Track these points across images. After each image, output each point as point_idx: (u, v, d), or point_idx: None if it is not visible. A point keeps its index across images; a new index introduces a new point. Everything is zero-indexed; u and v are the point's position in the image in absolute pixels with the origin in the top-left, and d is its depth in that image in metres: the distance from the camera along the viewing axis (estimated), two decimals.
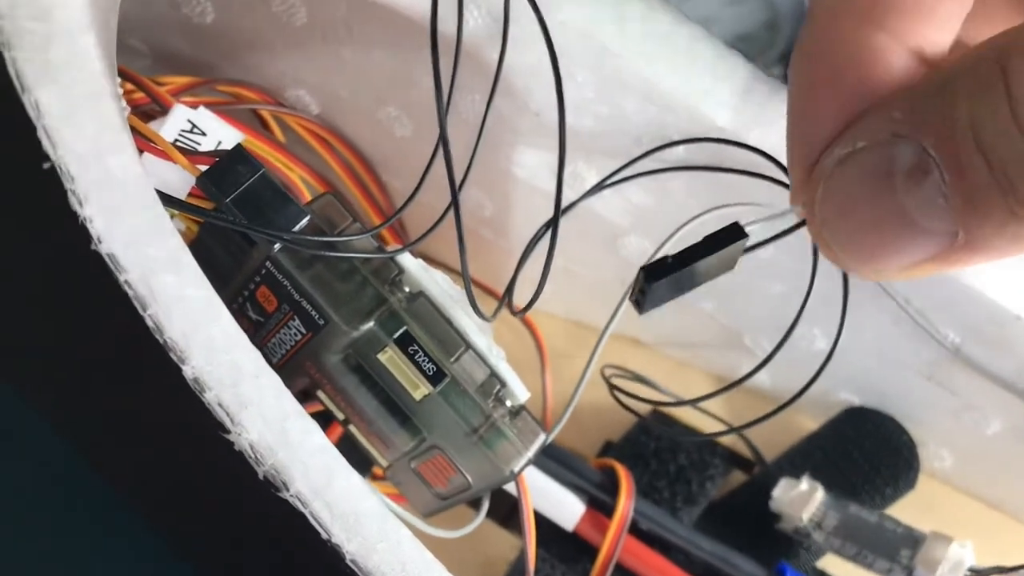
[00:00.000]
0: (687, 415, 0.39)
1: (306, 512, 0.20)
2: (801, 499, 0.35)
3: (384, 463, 0.30)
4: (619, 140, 0.31)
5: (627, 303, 0.32)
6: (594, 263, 0.37)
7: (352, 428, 0.30)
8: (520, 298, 0.40)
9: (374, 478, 0.33)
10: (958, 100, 0.14)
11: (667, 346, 0.39)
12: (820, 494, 0.35)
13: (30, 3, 0.20)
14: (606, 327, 0.32)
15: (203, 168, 0.27)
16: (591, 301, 0.38)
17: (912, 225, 0.14)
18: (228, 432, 0.20)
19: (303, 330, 0.28)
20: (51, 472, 0.21)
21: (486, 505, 0.33)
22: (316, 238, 0.26)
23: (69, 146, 0.20)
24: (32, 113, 0.20)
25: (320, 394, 0.30)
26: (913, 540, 0.34)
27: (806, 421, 0.39)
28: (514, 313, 0.28)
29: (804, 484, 0.36)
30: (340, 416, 0.30)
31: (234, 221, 0.25)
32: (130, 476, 0.22)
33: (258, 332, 0.29)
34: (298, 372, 0.29)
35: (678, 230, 0.31)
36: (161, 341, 0.19)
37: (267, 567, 0.22)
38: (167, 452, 0.21)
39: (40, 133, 0.20)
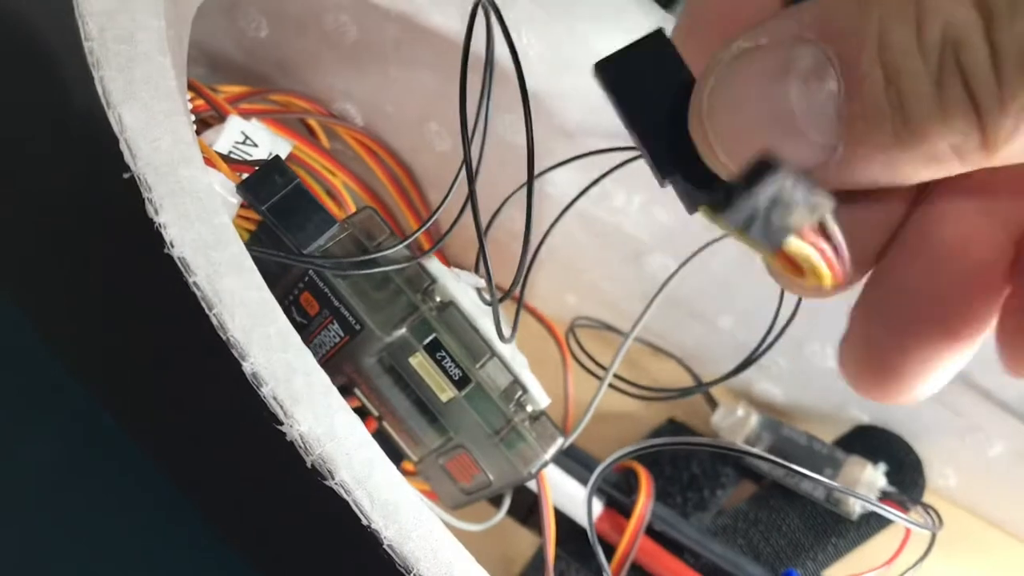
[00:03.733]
0: (702, 426, 0.41)
1: (349, 500, 0.22)
2: (739, 422, 0.40)
3: (415, 458, 0.32)
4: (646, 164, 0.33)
5: (647, 317, 0.34)
6: (618, 278, 0.39)
7: (385, 424, 0.32)
8: (544, 303, 0.42)
9: (405, 473, 0.35)
10: (870, 12, 0.14)
11: (685, 359, 0.41)
12: (754, 418, 0.40)
13: (116, 26, 0.22)
14: (625, 340, 0.34)
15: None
16: (614, 313, 0.39)
17: (795, 131, 0.14)
18: (281, 424, 0.22)
19: (341, 333, 0.30)
20: (107, 455, 0.23)
21: (507, 502, 0.35)
22: (348, 260, 0.28)
23: (147, 158, 0.22)
24: (116, 127, 0.22)
25: (356, 391, 0.32)
26: (835, 461, 0.38)
27: (819, 436, 0.40)
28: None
29: (741, 410, 0.40)
30: (375, 413, 0.32)
31: (296, 258, 0.27)
32: (186, 462, 0.23)
33: (302, 333, 0.30)
34: (337, 371, 0.31)
35: (700, 250, 0.33)
36: (224, 339, 0.21)
37: (309, 549, 0.23)
38: (223, 439, 0.23)
39: (122, 146, 0.22)
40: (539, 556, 0.37)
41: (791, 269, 0.16)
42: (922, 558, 0.33)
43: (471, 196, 0.26)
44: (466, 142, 0.21)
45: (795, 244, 0.14)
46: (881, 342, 0.17)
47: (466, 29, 0.21)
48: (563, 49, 0.30)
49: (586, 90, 0.31)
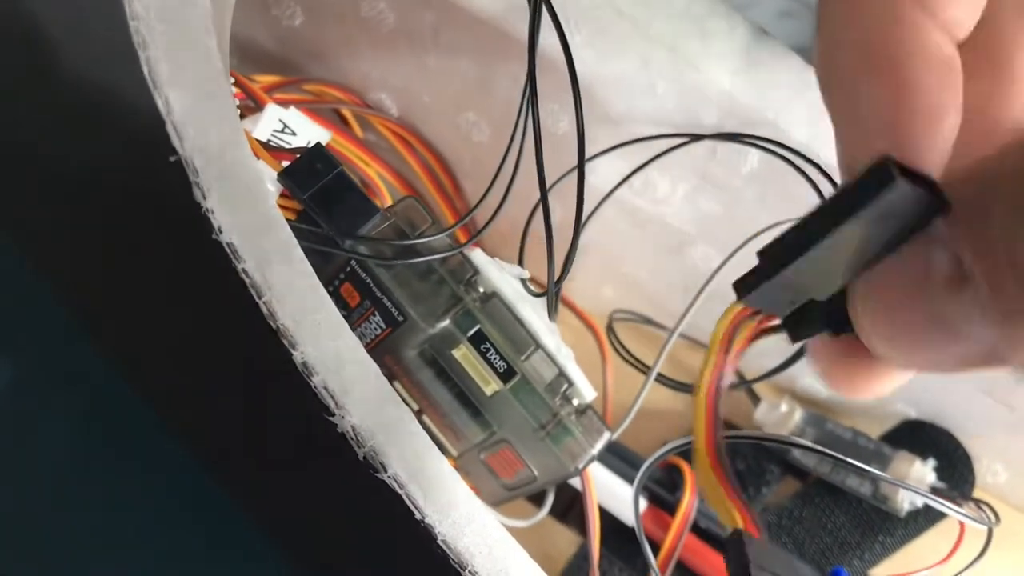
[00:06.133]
0: (744, 421, 0.40)
1: (402, 493, 0.21)
2: (782, 418, 0.39)
3: (455, 453, 0.32)
4: (695, 150, 0.32)
5: (693, 311, 0.33)
6: (659, 270, 0.38)
7: (426, 418, 0.31)
8: (581, 298, 0.41)
9: None
10: (993, 217, 0.13)
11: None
12: (798, 413, 0.39)
13: (162, 6, 0.22)
14: (670, 335, 0.33)
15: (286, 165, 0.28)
16: (652, 306, 0.39)
17: (952, 331, 0.14)
18: (332, 415, 0.21)
19: (383, 325, 0.29)
20: (144, 448, 0.23)
21: (551, 499, 0.34)
22: (392, 241, 0.28)
23: (194, 142, 0.21)
24: (163, 109, 0.21)
25: (396, 385, 0.31)
26: (883, 456, 0.37)
27: (864, 431, 0.40)
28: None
29: (784, 405, 0.39)
30: (415, 406, 0.31)
31: (341, 247, 0.26)
32: (231, 455, 0.23)
33: None
34: (377, 363, 0.30)
35: (747, 241, 0.32)
36: (274, 327, 0.21)
37: (362, 544, 0.23)
38: (272, 431, 0.22)
39: (169, 128, 0.21)
40: (581, 554, 0.36)
41: None
42: (979, 556, 0.32)
43: (543, 197, 0.26)
44: (538, 140, 0.20)
45: None
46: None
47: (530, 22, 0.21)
48: (610, 34, 0.29)
49: (632, 76, 0.31)
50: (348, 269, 0.29)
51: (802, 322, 0.17)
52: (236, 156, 0.22)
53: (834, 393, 0.40)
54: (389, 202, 0.35)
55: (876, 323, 0.15)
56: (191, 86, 0.21)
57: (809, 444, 0.26)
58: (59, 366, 0.23)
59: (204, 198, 0.21)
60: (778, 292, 0.16)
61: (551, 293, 0.24)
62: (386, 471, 0.21)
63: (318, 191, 0.27)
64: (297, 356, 0.21)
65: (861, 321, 0.15)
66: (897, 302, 0.15)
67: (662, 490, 0.34)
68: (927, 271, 0.14)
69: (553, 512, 0.35)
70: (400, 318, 0.28)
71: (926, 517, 0.37)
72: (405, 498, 0.21)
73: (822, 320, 0.17)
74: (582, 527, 0.35)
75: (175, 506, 0.23)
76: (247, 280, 0.21)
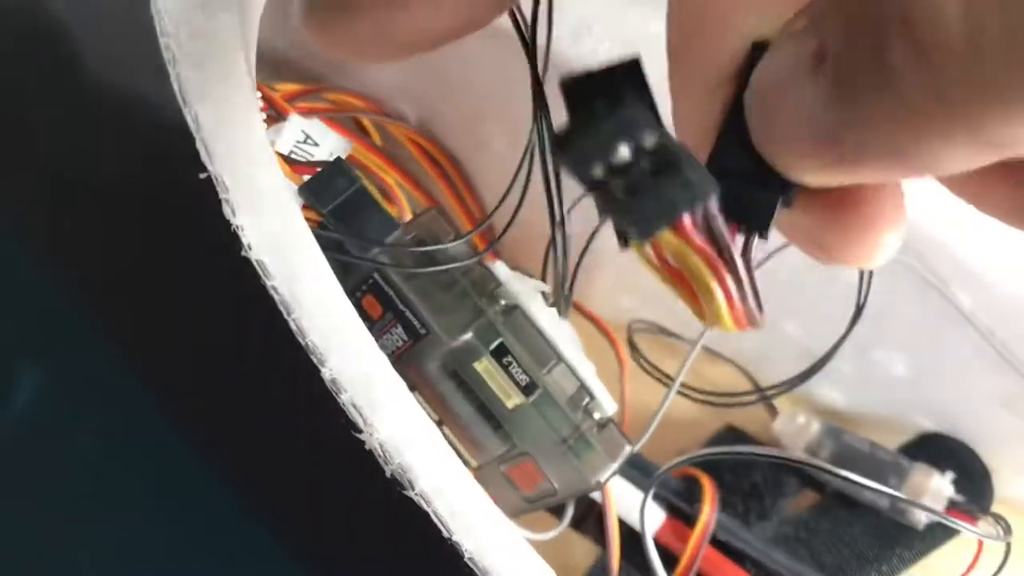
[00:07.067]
0: (762, 432, 0.40)
1: (429, 511, 0.21)
2: (800, 430, 0.39)
3: (475, 465, 0.32)
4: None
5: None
6: None
7: (446, 430, 0.31)
8: (599, 308, 0.41)
9: None
10: None
11: (744, 363, 0.40)
12: (816, 425, 0.39)
13: (192, 22, 0.22)
14: (692, 347, 0.33)
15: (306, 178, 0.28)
16: (671, 317, 0.39)
17: (808, 122, 0.13)
18: (360, 432, 0.21)
19: (405, 337, 0.29)
20: (172, 465, 0.23)
21: (570, 512, 0.34)
22: (412, 248, 0.28)
23: (224, 158, 0.21)
24: (192, 126, 0.21)
25: (416, 396, 0.31)
26: (900, 469, 0.36)
27: (880, 443, 0.39)
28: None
29: (801, 417, 0.39)
30: (434, 418, 0.31)
31: (367, 259, 0.26)
32: (258, 471, 0.23)
33: None
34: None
35: (768, 257, 0.32)
36: (303, 344, 0.21)
37: (388, 560, 0.23)
38: (299, 447, 0.22)
39: (199, 145, 0.21)
40: (598, 565, 0.36)
41: (674, 282, 0.14)
42: (998, 570, 0.32)
43: (549, 203, 0.26)
44: (543, 148, 0.20)
45: (674, 242, 0.12)
46: None
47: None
48: (635, 45, 0.29)
49: (655, 86, 0.30)
50: (371, 281, 0.29)
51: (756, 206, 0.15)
52: (265, 172, 0.22)
53: (852, 404, 0.40)
54: (408, 210, 0.35)
55: (756, 114, 0.14)
56: (220, 102, 0.21)
57: (824, 465, 0.26)
58: (84, 377, 0.23)
59: (234, 214, 0.21)
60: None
61: (559, 291, 0.24)
62: (413, 488, 0.21)
63: (339, 205, 0.27)
64: (326, 373, 0.21)
65: (749, 121, 0.15)
66: (771, 90, 0.14)
67: (680, 501, 0.34)
68: (796, 57, 0.13)
69: (570, 521, 0.35)
70: (422, 331, 0.28)
71: (944, 530, 0.37)
72: (432, 516, 0.21)
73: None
74: (599, 536, 0.35)
75: (194, 520, 0.23)
76: (276, 297, 0.21)
